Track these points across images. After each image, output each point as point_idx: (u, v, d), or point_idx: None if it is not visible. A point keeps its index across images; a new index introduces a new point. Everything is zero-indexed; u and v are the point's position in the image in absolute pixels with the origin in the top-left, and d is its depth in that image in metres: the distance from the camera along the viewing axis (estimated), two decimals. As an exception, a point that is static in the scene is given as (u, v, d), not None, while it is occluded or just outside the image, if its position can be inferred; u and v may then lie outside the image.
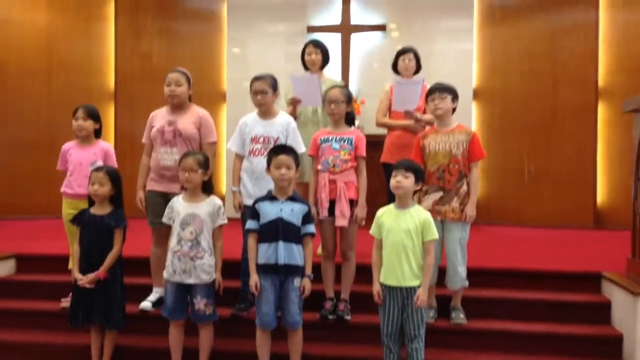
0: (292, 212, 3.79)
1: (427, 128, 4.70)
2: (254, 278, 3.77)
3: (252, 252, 3.82)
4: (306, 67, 5.39)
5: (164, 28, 9.16)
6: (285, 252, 3.74)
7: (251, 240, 3.84)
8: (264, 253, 3.77)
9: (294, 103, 5.07)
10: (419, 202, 4.26)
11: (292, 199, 3.85)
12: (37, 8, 8.73)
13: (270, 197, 3.86)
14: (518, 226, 8.10)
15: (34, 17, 8.70)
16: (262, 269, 3.77)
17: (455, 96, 4.33)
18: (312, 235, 3.85)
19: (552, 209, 8.16)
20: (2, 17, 8.49)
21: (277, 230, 3.75)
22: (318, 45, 5.33)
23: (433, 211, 4.19)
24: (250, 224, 3.84)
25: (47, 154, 8.21)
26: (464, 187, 4.26)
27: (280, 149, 3.90)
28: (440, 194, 4.25)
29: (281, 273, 3.75)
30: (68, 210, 4.51)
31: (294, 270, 3.77)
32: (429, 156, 4.29)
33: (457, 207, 4.22)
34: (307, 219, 3.84)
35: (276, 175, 3.80)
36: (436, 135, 4.32)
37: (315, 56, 5.28)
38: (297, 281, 3.78)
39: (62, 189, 4.64)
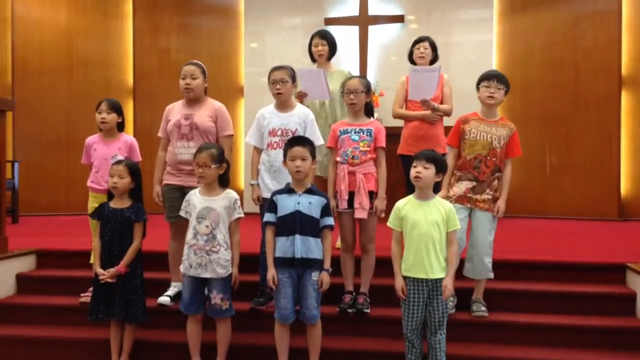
0: (309, 205, 3.73)
1: (466, 114, 4.50)
2: (271, 272, 3.73)
3: (270, 245, 3.78)
4: (314, 59, 5.34)
5: (181, 24, 9.20)
6: (303, 246, 3.68)
7: (269, 233, 3.79)
8: (282, 246, 3.73)
9: (300, 97, 5.03)
10: (450, 187, 4.21)
11: (310, 191, 3.79)
12: (56, 6, 8.82)
13: (288, 190, 3.81)
14: (541, 218, 8.01)
15: (53, 15, 8.78)
16: (280, 263, 3.73)
17: (508, 90, 4.24)
18: (331, 228, 3.79)
19: (575, 200, 8.05)
20: (22, 15, 8.58)
21: (294, 224, 3.70)
22: (324, 36, 5.28)
23: (464, 198, 4.13)
24: (268, 216, 3.79)
25: (66, 151, 8.31)
26: (496, 181, 4.20)
27: (295, 141, 3.84)
28: (474, 183, 4.18)
29: (299, 267, 3.71)
30: (94, 204, 4.49)
31: (312, 264, 3.72)
32: (467, 143, 4.21)
33: (489, 199, 4.18)
34: (325, 211, 3.78)
35: (291, 168, 3.75)
36: (479, 123, 4.23)
37: (321, 47, 5.24)
38: (315, 275, 3.72)
39: (89, 184, 4.65)
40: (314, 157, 3.82)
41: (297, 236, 3.68)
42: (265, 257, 3.86)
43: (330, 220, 3.79)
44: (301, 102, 5.01)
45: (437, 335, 3.61)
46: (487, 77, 4.23)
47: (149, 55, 9.13)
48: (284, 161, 3.82)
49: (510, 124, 4.30)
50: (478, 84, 4.29)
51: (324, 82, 4.91)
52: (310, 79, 4.97)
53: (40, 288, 4.90)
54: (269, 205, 3.86)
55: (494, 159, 4.17)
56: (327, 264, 3.76)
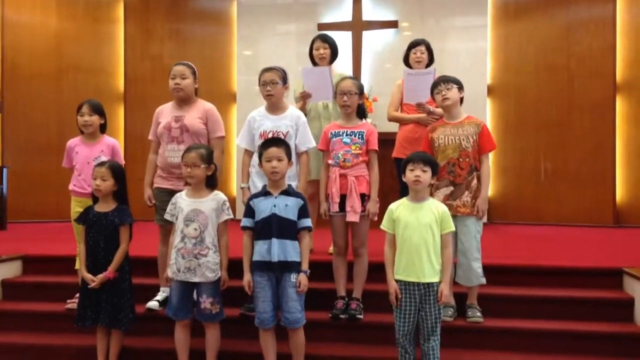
0: (286, 207, 3.68)
1: (433, 123, 4.56)
2: (246, 277, 3.70)
3: (246, 250, 3.74)
4: (315, 63, 5.28)
5: (173, 29, 9.14)
6: (279, 249, 3.62)
7: (245, 238, 3.75)
8: (259, 250, 3.67)
9: (304, 97, 4.96)
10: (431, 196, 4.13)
11: (286, 192, 3.74)
12: (46, 11, 8.75)
13: (264, 192, 3.76)
14: (535, 225, 7.95)
15: (43, 20, 8.72)
16: (258, 266, 3.68)
17: (460, 86, 4.23)
18: (309, 229, 3.74)
19: (570, 207, 8.01)
20: (12, 20, 8.50)
21: (271, 227, 3.64)
22: (326, 39, 5.23)
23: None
24: (245, 221, 3.75)
25: (56, 157, 8.13)
26: (475, 181, 4.13)
27: (270, 142, 3.81)
28: (451, 188, 4.12)
29: (276, 270, 3.64)
30: (77, 208, 4.40)
31: (290, 267, 3.65)
32: (439, 150, 4.18)
33: (469, 202, 4.10)
34: (303, 212, 3.73)
35: (267, 169, 3.71)
36: (445, 128, 4.21)
37: (323, 50, 5.18)
38: (294, 276, 3.66)
39: (71, 187, 4.56)
40: (289, 157, 3.78)
41: (274, 240, 3.63)
42: (254, 262, 3.79)
43: (307, 222, 3.73)
44: (304, 103, 4.96)
45: (430, 341, 3.53)
46: (435, 84, 4.26)
47: (141, 61, 9.05)
48: (260, 163, 3.77)
49: (477, 121, 4.26)
50: (432, 97, 4.34)
51: (329, 80, 4.86)
52: (315, 78, 4.91)
53: (25, 294, 4.82)
54: (246, 209, 3.81)
55: (467, 159, 4.12)
56: (304, 266, 3.69)
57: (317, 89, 4.92)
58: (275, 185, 3.74)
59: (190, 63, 4.45)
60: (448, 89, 4.17)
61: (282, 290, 3.66)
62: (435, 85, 4.25)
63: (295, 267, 3.66)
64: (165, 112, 4.44)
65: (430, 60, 5.20)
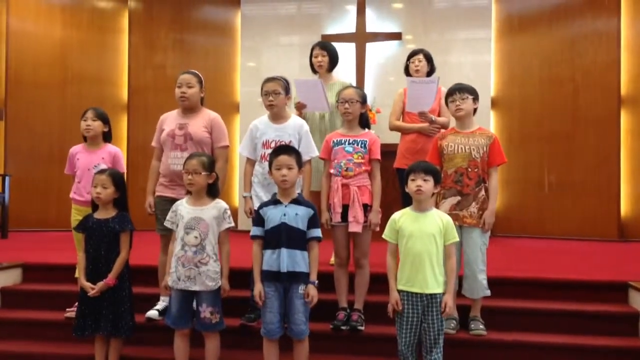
0: (296, 216, 3.64)
1: (443, 131, 4.54)
2: (257, 287, 3.64)
3: (257, 259, 3.69)
4: (315, 71, 5.27)
5: (177, 40, 9.15)
6: (288, 259, 3.58)
7: (255, 247, 3.70)
8: (268, 259, 3.63)
9: (299, 108, 4.95)
10: (436, 205, 4.09)
11: (297, 201, 3.69)
12: (51, 21, 8.77)
13: (274, 201, 3.72)
14: (539, 238, 7.90)
15: (48, 30, 8.74)
16: (266, 276, 3.63)
17: (476, 97, 4.19)
18: (319, 239, 3.69)
19: (574, 220, 7.95)
20: (17, 29, 8.52)
21: (280, 237, 3.60)
22: (325, 47, 5.23)
23: (450, 216, 4.03)
24: (255, 230, 3.71)
25: (59, 166, 8.13)
26: (482, 192, 4.09)
27: (280, 150, 3.77)
28: (458, 198, 4.08)
29: (284, 280, 3.60)
30: (77, 216, 4.38)
31: (299, 277, 3.61)
32: (447, 158, 4.14)
33: (475, 213, 4.06)
34: (313, 222, 3.68)
35: (277, 177, 3.67)
36: (455, 136, 4.17)
37: (321, 58, 5.17)
38: (301, 288, 3.61)
39: (71, 195, 4.55)
40: (300, 166, 3.74)
41: (283, 250, 3.59)
42: (258, 272, 3.75)
43: (317, 232, 3.69)
44: (300, 112, 4.93)
45: (432, 353, 3.48)
46: (450, 92, 4.20)
47: (144, 70, 9.06)
48: (270, 171, 3.74)
49: (489, 133, 4.23)
50: (446, 103, 4.29)
51: (322, 93, 4.83)
52: (307, 90, 4.89)
53: (25, 302, 4.77)
54: (255, 218, 3.78)
55: (475, 169, 4.08)
56: (313, 277, 3.64)
57: (311, 100, 4.91)
58: (285, 193, 3.70)
59: (197, 72, 4.45)
60: (463, 99, 4.13)
61: (290, 301, 3.62)
62: (450, 93, 4.19)
63: (303, 278, 3.62)
64: (170, 120, 4.42)
65: (431, 69, 5.19)
